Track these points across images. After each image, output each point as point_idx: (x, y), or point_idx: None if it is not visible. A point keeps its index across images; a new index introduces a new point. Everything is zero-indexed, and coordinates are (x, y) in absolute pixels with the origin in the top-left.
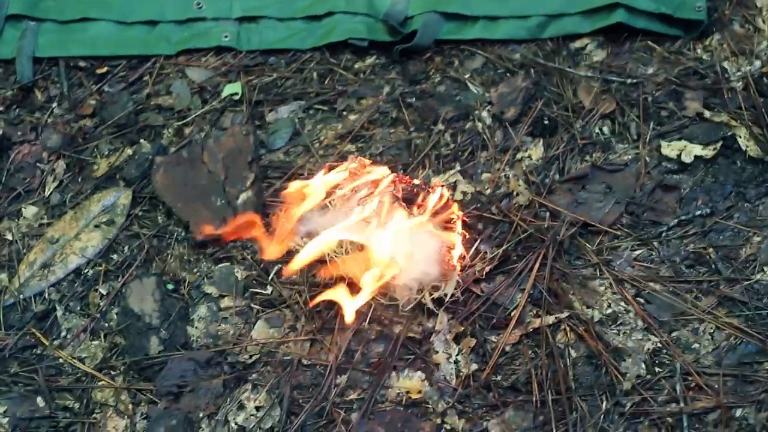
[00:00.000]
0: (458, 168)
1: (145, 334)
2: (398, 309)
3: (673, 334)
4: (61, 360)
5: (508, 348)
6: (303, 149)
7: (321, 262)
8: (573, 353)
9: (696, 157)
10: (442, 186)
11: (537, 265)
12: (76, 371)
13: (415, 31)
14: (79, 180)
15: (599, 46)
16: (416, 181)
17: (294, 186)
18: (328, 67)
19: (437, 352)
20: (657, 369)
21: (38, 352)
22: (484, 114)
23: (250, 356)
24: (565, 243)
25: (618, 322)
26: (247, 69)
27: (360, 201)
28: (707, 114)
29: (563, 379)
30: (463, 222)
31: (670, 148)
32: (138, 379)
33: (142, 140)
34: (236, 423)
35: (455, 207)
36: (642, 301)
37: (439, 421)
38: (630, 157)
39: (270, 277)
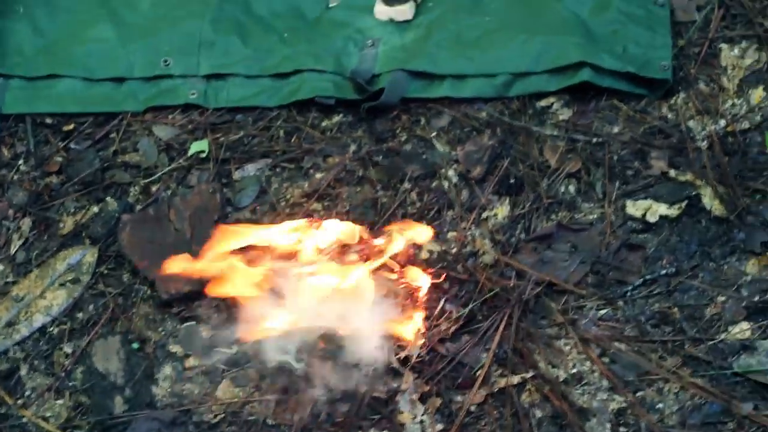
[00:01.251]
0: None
1: (110, 393)
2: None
3: (638, 393)
4: (25, 419)
5: (473, 408)
6: (269, 207)
7: None
8: (538, 413)
9: (661, 216)
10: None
11: (502, 325)
12: (40, 431)
13: (382, 89)
14: (45, 238)
15: (565, 105)
16: (379, 240)
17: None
18: (295, 125)
19: (402, 412)
20: (622, 429)
21: (2, 411)
22: (451, 172)
23: (215, 416)
24: (531, 302)
25: (583, 382)
26: (214, 126)
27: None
28: (672, 173)
29: None
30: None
31: (635, 208)
32: None
33: (108, 198)
34: None
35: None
36: (607, 360)
37: None
38: (595, 216)
39: (236, 336)
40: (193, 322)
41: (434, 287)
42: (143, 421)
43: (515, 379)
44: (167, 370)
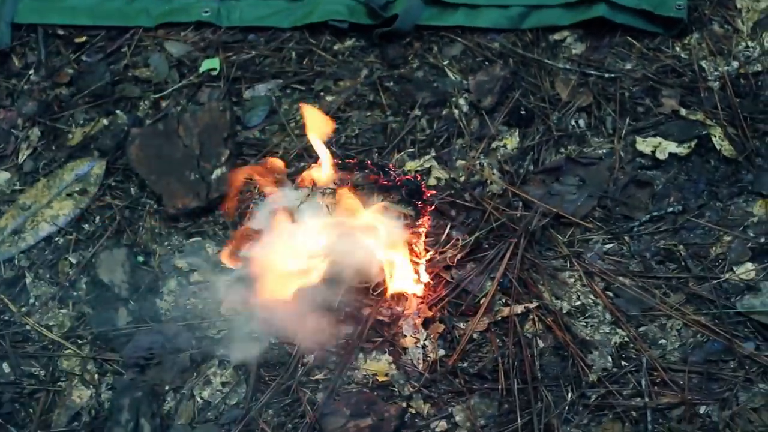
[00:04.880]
0: (433, 154)
1: (114, 304)
2: (368, 292)
3: (641, 328)
4: (28, 327)
5: (475, 335)
6: (279, 128)
7: None
8: (540, 343)
9: (670, 154)
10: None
11: (508, 255)
12: (42, 339)
13: (396, 16)
14: (53, 148)
15: (578, 40)
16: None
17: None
18: (307, 48)
19: (405, 336)
20: (623, 363)
21: (5, 317)
22: (461, 101)
23: (218, 331)
24: (537, 233)
25: (586, 315)
26: (226, 45)
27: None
28: (683, 112)
29: (529, 369)
30: (436, 208)
31: (644, 144)
32: (104, 349)
33: (118, 111)
34: (201, 398)
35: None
36: (611, 294)
37: (404, 404)
38: (605, 151)
39: (241, 254)
40: (199, 238)
41: (441, 214)
42: (146, 334)
43: (519, 309)
44: (172, 284)
